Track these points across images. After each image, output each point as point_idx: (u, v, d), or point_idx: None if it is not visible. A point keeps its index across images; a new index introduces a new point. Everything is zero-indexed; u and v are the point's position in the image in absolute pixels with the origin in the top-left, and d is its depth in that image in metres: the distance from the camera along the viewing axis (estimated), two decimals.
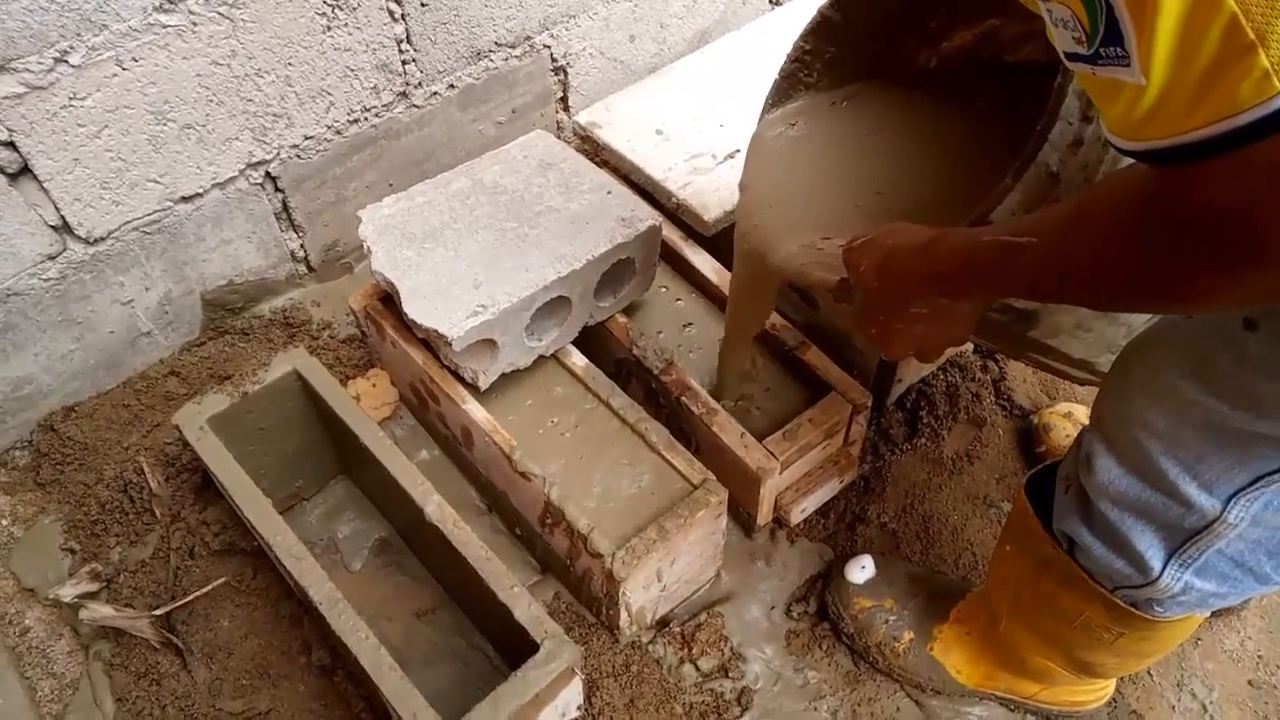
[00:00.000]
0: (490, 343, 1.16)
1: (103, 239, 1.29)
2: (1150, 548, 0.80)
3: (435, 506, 1.11)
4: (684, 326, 1.32)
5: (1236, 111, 0.47)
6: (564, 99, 1.70)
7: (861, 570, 1.21)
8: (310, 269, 1.57)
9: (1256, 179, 0.49)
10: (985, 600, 1.13)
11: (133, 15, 1.14)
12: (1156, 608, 0.86)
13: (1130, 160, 0.56)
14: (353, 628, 1.02)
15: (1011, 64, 1.03)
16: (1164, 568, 0.81)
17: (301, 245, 1.53)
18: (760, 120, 1.10)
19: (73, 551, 1.29)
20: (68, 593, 1.22)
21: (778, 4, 1.89)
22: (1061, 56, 0.57)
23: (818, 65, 1.05)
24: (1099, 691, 1.14)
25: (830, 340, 1.43)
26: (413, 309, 1.12)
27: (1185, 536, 0.78)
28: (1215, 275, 0.54)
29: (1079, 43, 0.53)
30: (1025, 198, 0.78)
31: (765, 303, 1.14)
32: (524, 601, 1.03)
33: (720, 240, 1.46)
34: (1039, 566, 0.94)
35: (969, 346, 1.45)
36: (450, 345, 1.11)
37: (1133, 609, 0.87)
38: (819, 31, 1.02)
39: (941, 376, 1.40)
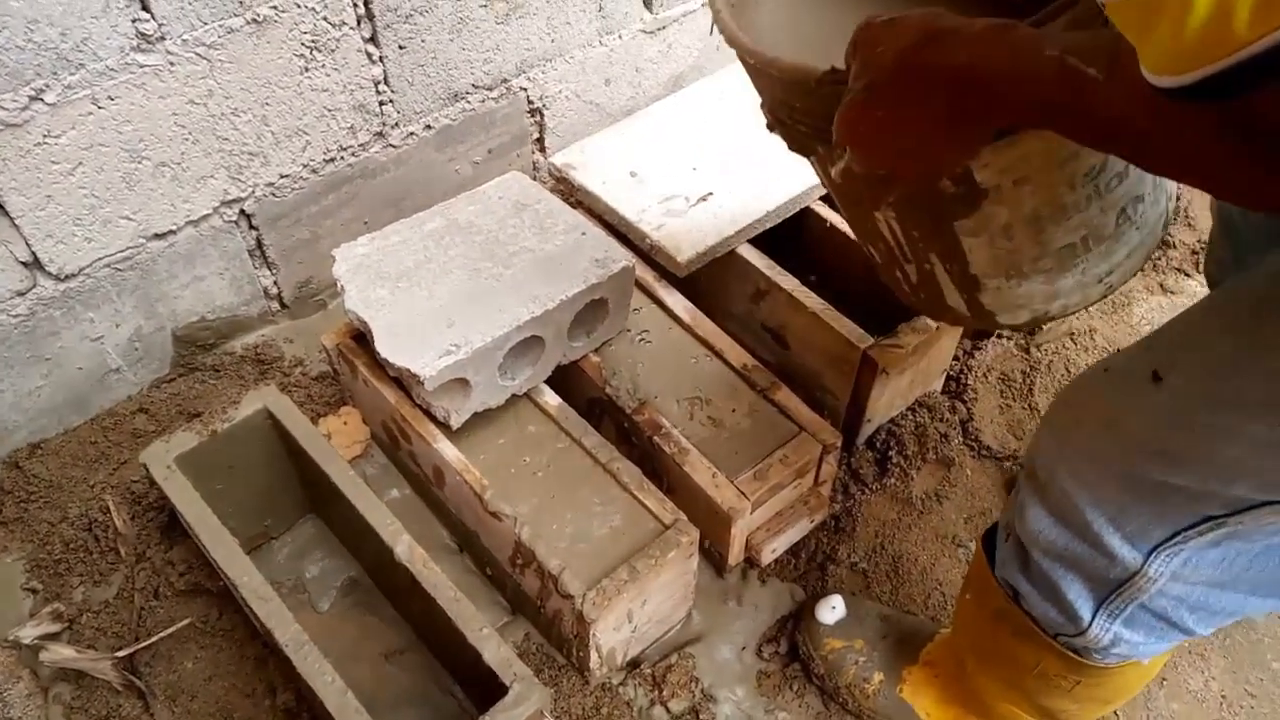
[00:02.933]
0: (463, 382, 1.16)
1: (74, 275, 1.28)
2: (1079, 598, 0.82)
3: (405, 546, 1.10)
4: (657, 364, 1.33)
5: None
6: (540, 140, 1.72)
7: (832, 610, 1.22)
8: (283, 306, 1.57)
9: None
10: (952, 647, 1.14)
11: (110, 55, 1.14)
12: (1095, 654, 0.87)
13: None
14: (319, 670, 1.00)
15: None
16: (1093, 618, 0.82)
17: (275, 282, 1.53)
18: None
19: (35, 591, 1.27)
20: (28, 634, 1.19)
21: None
22: None
23: None
24: None
25: (801, 381, 1.44)
26: (385, 348, 1.12)
27: (1111, 588, 0.79)
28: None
29: None
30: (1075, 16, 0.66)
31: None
32: (493, 643, 1.03)
33: (693, 280, 1.47)
34: (994, 617, 0.95)
35: (937, 388, 1.47)
36: (423, 384, 1.11)
37: (1079, 657, 0.88)
38: None
39: (910, 417, 1.42)
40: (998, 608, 0.93)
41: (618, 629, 1.12)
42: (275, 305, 1.56)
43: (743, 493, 1.18)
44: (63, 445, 1.40)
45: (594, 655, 1.13)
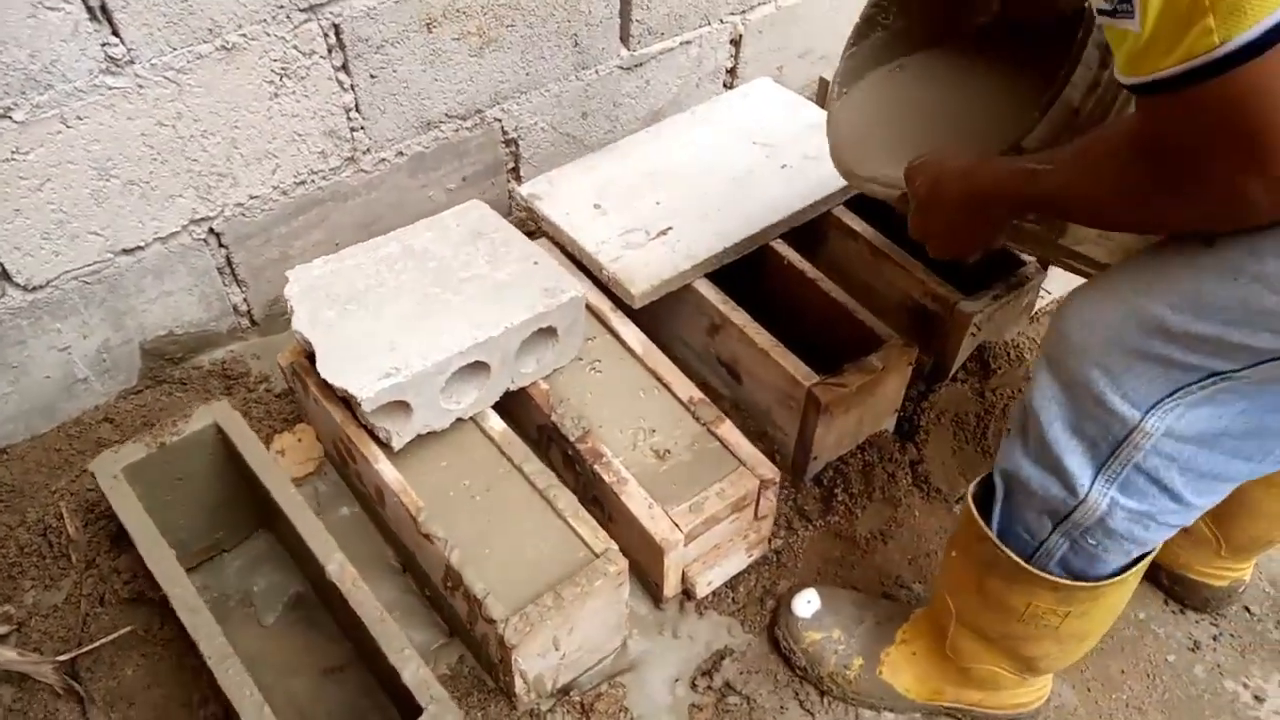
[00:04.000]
0: (404, 404, 1.18)
1: (41, 287, 1.32)
2: (1080, 466, 0.88)
3: (336, 565, 1.12)
4: (605, 394, 1.34)
5: (1192, 58, 0.64)
6: (515, 169, 1.75)
7: (808, 604, 1.26)
8: (253, 323, 1.60)
9: (1197, 112, 0.66)
10: (930, 618, 1.19)
11: (79, 76, 1.19)
12: (1089, 540, 0.91)
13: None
14: (239, 685, 1.02)
15: (1042, 23, 1.19)
16: (1091, 484, 0.88)
17: (245, 299, 1.56)
18: (842, 58, 1.26)
19: None
20: None
21: (730, 87, 1.96)
22: (1095, 11, 0.72)
23: (893, 8, 1.21)
24: (1039, 691, 1.20)
25: (753, 415, 1.46)
26: (326, 369, 1.15)
27: (1109, 449, 0.86)
28: (1165, 194, 0.72)
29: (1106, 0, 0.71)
30: (1050, 129, 0.95)
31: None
32: (413, 665, 1.04)
33: (654, 311, 1.49)
34: (984, 569, 1.01)
35: (889, 427, 1.47)
36: (360, 406, 1.13)
37: (1076, 582, 0.94)
38: None
39: (859, 455, 1.42)
40: (988, 559, 0.99)
41: (543, 656, 1.13)
42: (245, 322, 1.59)
43: (677, 524, 1.19)
44: (28, 451, 1.43)
45: (519, 681, 1.14)
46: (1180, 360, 0.79)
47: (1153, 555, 0.96)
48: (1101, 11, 0.72)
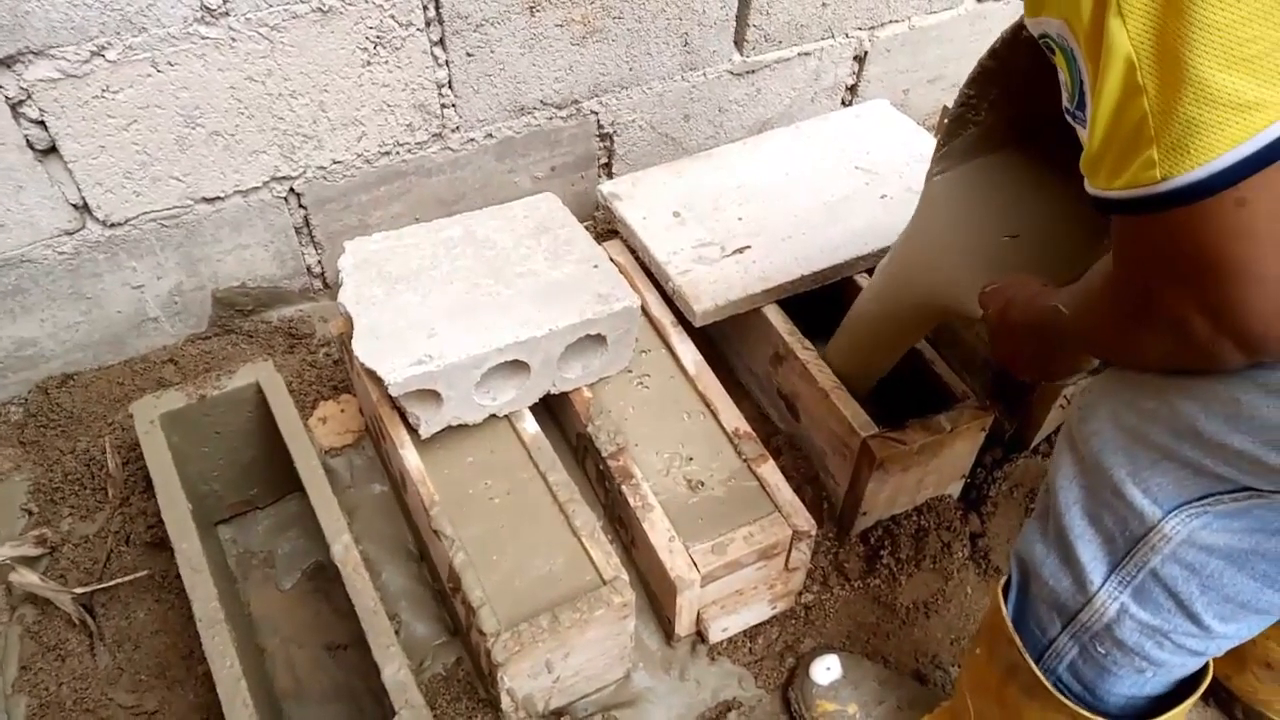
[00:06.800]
0: (435, 393, 1.15)
1: (120, 224, 1.35)
2: (1093, 560, 0.80)
3: (341, 547, 1.10)
4: (648, 411, 1.28)
5: (1136, 187, 0.59)
6: (608, 165, 1.70)
7: (827, 671, 1.17)
8: (326, 285, 1.60)
9: (1146, 241, 0.62)
10: (951, 714, 1.08)
11: (173, 23, 1.19)
12: (1099, 648, 0.82)
13: None
14: (220, 653, 1.01)
15: None
16: (1103, 584, 0.80)
17: (319, 261, 1.56)
18: (931, 166, 1.16)
19: (30, 513, 1.34)
20: (3, 553, 1.25)
21: (849, 105, 1.86)
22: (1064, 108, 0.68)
23: (984, 106, 1.11)
24: None
25: (808, 456, 1.37)
26: (360, 347, 1.12)
27: (1126, 547, 0.78)
28: (1130, 324, 0.68)
29: (1068, 99, 0.66)
30: None
31: (915, 338, 1.29)
32: (395, 664, 1.01)
33: (723, 331, 1.42)
34: (1006, 674, 0.92)
35: (953, 493, 1.36)
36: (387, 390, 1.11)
37: (1094, 717, 0.84)
38: (980, 79, 1.08)
39: (914, 518, 1.31)
40: (1011, 662, 0.90)
41: (534, 677, 1.08)
42: (318, 284, 1.60)
43: (695, 563, 1.12)
44: (92, 380, 1.47)
45: (505, 698, 1.09)
46: (1211, 469, 0.70)
47: (1189, 705, 0.84)
48: (1065, 110, 0.67)
